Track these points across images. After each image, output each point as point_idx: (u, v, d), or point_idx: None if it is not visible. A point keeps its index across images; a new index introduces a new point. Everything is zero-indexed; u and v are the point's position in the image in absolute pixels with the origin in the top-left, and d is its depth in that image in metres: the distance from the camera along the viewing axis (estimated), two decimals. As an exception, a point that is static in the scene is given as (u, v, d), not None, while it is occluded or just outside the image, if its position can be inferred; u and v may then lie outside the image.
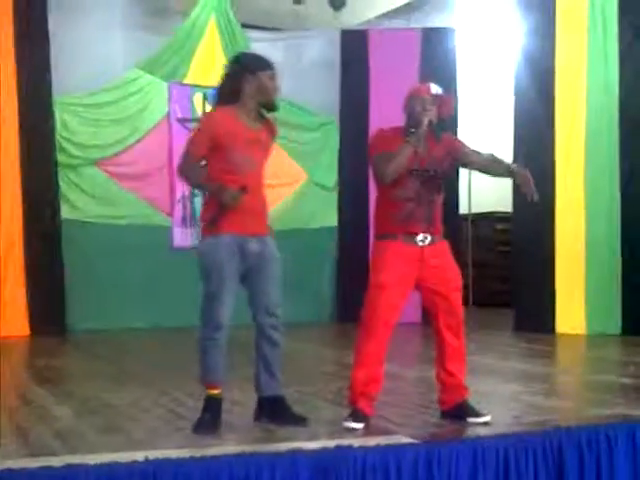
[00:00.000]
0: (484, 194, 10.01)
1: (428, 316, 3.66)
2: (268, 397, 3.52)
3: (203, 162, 3.49)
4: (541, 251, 7.41)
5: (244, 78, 3.44)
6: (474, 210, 10.81)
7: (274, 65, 3.52)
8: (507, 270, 9.32)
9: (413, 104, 3.51)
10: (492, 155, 3.62)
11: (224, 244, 3.35)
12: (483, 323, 8.04)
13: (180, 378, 4.65)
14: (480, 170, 3.66)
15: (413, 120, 3.49)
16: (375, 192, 3.65)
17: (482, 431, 3.23)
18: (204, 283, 3.41)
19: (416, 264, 3.46)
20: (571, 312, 7.24)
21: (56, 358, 6.16)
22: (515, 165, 3.58)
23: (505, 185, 6.81)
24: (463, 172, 7.31)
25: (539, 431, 3.13)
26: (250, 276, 3.44)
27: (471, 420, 3.44)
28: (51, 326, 7.66)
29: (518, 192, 7.33)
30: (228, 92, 3.47)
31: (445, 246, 3.58)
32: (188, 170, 3.48)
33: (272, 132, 3.56)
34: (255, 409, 3.56)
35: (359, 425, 3.32)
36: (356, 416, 3.36)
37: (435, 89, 3.53)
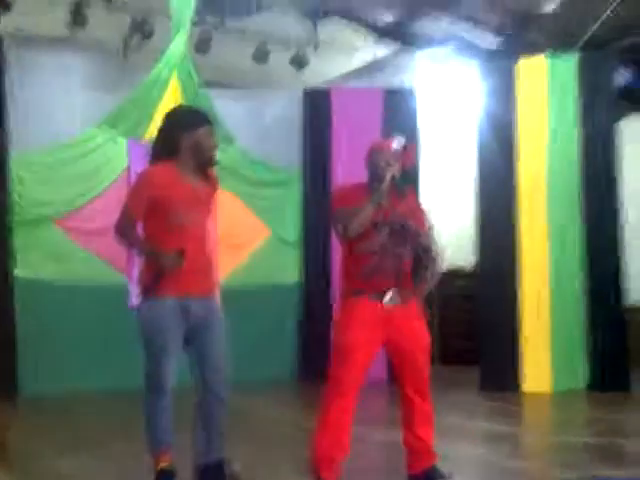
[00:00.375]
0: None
1: (394, 375, 3.53)
2: (209, 463, 3.32)
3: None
4: (505, 308, 7.35)
5: (180, 135, 3.32)
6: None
7: (210, 119, 3.44)
8: (472, 327, 9.24)
9: (375, 159, 3.47)
10: (434, 260, 3.48)
11: (165, 307, 3.21)
12: (449, 381, 7.90)
13: (133, 445, 4.40)
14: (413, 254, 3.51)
15: (376, 175, 3.43)
16: (339, 248, 3.57)
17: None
18: (146, 348, 3.27)
19: (383, 322, 3.33)
20: (537, 370, 7.15)
21: (2, 422, 5.84)
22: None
23: (465, 241, 6.76)
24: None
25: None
26: (194, 338, 3.31)
27: (437, 485, 3.29)
28: (1, 389, 7.34)
29: (480, 247, 7.53)
30: (163, 148, 3.36)
31: (414, 304, 3.46)
32: (124, 229, 3.32)
33: (214, 187, 3.45)
34: (195, 477, 3.37)
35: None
36: (319, 489, 3.16)
37: (397, 143, 3.48)
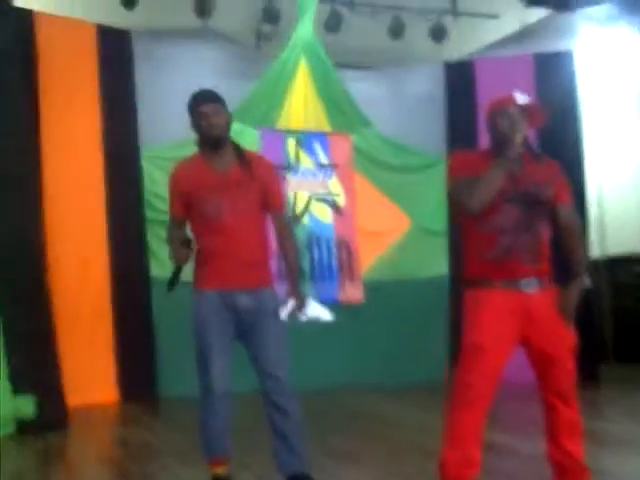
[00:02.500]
0: (621, 233, 8.82)
1: (537, 378, 2.88)
2: (290, 477, 3.05)
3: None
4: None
5: (192, 122, 3.22)
6: (611, 252, 9.59)
7: (211, 96, 3.20)
8: None
9: (498, 120, 2.85)
10: (580, 237, 2.89)
11: (208, 301, 3.05)
12: (624, 381, 6.89)
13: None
14: (555, 235, 2.91)
15: (501, 139, 2.82)
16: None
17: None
18: (195, 345, 3.12)
19: (520, 317, 2.72)
20: None
21: (139, 429, 5.62)
22: (582, 280, 2.77)
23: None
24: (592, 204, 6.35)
25: None
26: (245, 336, 3.08)
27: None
28: (141, 393, 7.20)
29: None
30: (196, 141, 3.27)
31: (555, 295, 2.81)
32: (168, 235, 3.24)
33: (253, 169, 3.15)
34: None
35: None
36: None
37: (522, 98, 2.87)
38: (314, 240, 7.94)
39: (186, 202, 3.17)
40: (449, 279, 8.26)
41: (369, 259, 8.10)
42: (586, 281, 2.78)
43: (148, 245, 7.60)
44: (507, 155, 2.75)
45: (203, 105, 3.15)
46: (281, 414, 3.05)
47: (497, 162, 2.75)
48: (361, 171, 8.25)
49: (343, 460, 3.96)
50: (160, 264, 7.69)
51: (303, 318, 3.10)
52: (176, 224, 3.23)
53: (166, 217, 7.61)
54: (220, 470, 3.08)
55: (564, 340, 2.77)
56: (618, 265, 9.71)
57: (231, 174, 3.15)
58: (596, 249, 9.01)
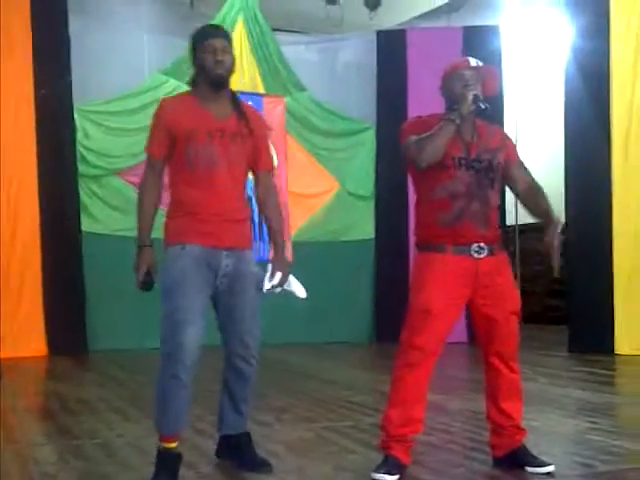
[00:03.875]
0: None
1: (477, 341, 3.02)
2: (230, 435, 3.00)
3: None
4: (599, 263, 6.73)
5: (192, 58, 2.86)
6: (522, 221, 10.12)
7: (219, 32, 2.88)
8: (559, 284, 8.64)
9: (452, 83, 2.85)
10: (540, 188, 2.93)
11: (188, 256, 2.74)
12: (535, 342, 7.39)
13: (197, 409, 4.11)
14: (517, 196, 2.99)
15: (455, 100, 2.82)
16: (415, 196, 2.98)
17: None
18: (163, 302, 2.75)
19: (469, 281, 2.80)
20: (632, 330, 6.56)
21: (66, 383, 5.65)
22: (557, 219, 2.80)
23: (555, 191, 6.15)
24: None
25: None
26: (221, 297, 2.83)
27: (530, 470, 2.84)
28: (70, 345, 7.23)
29: (571, 199, 6.89)
30: (190, 79, 2.90)
31: (504, 259, 2.93)
32: (145, 184, 2.85)
33: (251, 124, 2.86)
34: (217, 447, 3.09)
35: (392, 478, 2.73)
36: (389, 465, 2.77)
37: (475, 62, 2.88)
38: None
39: (171, 143, 2.80)
40: (374, 242, 8.58)
41: (298, 220, 8.28)
42: (560, 219, 2.77)
43: (79, 199, 7.56)
44: (459, 110, 2.74)
45: (213, 39, 2.80)
46: (241, 380, 2.92)
47: (447, 117, 2.77)
48: (293, 134, 8.39)
49: (280, 415, 4.06)
50: (91, 218, 7.70)
51: (279, 290, 2.90)
52: (155, 169, 2.84)
53: (98, 172, 7.79)
54: (174, 444, 2.76)
55: (510, 304, 2.84)
56: (529, 233, 10.27)
57: (228, 122, 2.81)
58: (511, 219, 9.50)
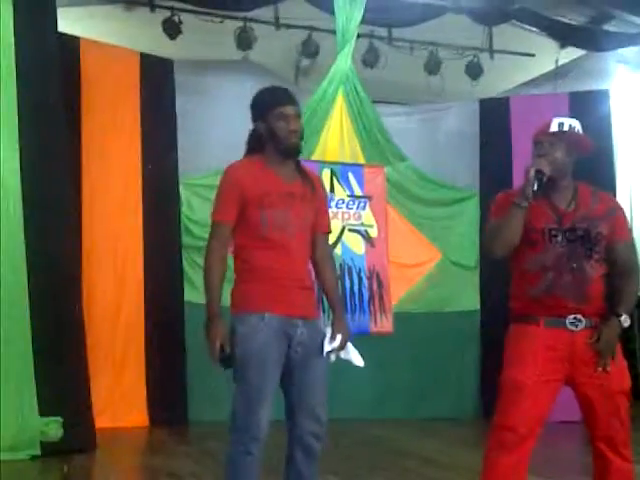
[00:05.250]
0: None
1: (584, 423, 2.73)
2: None
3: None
4: None
5: (258, 123, 2.80)
6: None
7: (290, 97, 2.80)
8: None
9: (533, 151, 2.73)
10: (631, 275, 2.71)
11: (267, 327, 2.63)
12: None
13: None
14: (609, 276, 2.74)
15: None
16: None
17: None
18: (239, 375, 2.66)
19: (564, 356, 2.59)
20: None
21: (160, 456, 5.58)
22: (624, 319, 2.58)
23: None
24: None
25: None
26: (295, 371, 2.70)
27: None
28: (170, 416, 7.22)
29: None
30: (249, 143, 2.87)
31: None
32: (212, 255, 2.76)
33: (314, 186, 2.82)
34: None
35: None
36: None
37: (557, 124, 2.75)
38: (346, 270, 7.99)
39: (241, 209, 2.72)
40: (480, 313, 8.26)
41: (399, 291, 8.12)
42: (625, 321, 2.60)
43: (183, 270, 7.69)
44: (524, 192, 2.60)
45: (285, 106, 2.74)
46: (310, 457, 2.73)
47: (514, 201, 2.64)
48: (394, 203, 8.31)
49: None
50: (194, 289, 7.79)
51: (333, 357, 2.80)
52: (222, 236, 2.75)
53: (202, 243, 7.92)
54: None
55: (617, 382, 2.61)
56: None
57: (295, 186, 2.78)
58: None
